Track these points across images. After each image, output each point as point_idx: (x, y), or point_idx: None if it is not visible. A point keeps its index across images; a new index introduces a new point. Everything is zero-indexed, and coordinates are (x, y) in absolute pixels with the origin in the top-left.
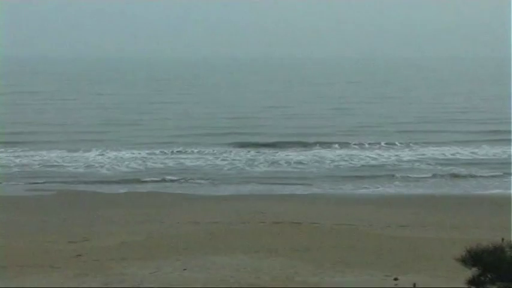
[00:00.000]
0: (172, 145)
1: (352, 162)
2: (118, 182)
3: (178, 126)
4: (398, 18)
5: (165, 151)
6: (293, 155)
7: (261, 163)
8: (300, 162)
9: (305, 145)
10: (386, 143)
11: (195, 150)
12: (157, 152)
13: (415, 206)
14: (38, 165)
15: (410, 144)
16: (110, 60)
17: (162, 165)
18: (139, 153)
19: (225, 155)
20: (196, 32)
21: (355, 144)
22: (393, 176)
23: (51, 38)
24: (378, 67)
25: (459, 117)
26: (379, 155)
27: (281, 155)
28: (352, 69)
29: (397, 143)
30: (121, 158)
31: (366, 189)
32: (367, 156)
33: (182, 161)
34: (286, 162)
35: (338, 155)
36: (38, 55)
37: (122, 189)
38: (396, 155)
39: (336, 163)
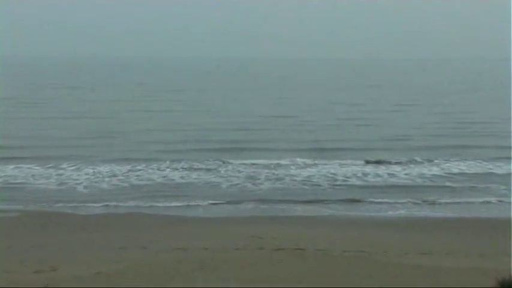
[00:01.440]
0: (160, 159)
1: (367, 179)
2: (96, 202)
3: (167, 137)
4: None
5: (152, 166)
6: (300, 171)
7: (262, 180)
8: (307, 180)
9: (314, 160)
10: (407, 159)
11: (187, 165)
12: (142, 166)
13: (440, 230)
14: (2, 182)
15: (436, 160)
16: (103, 59)
17: (148, 182)
18: (122, 169)
19: (221, 170)
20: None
21: (371, 160)
22: (415, 195)
23: (46, 36)
24: (382, 69)
25: (491, 129)
26: (398, 172)
27: (286, 170)
28: (357, 71)
29: (419, 158)
30: (100, 173)
31: (382, 211)
32: (385, 173)
33: (172, 177)
34: (291, 180)
35: (351, 172)
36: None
37: (99, 209)
38: (419, 172)
39: (348, 181)
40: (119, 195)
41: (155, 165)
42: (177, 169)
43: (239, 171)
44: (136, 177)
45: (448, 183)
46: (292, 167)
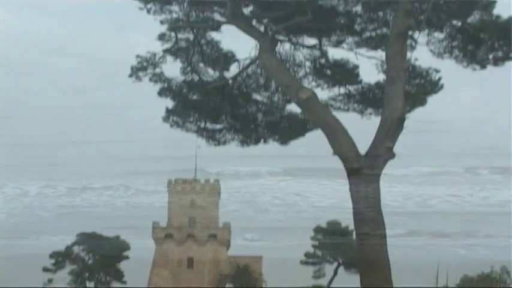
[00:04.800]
0: (120, 174)
1: (406, 200)
2: (20, 237)
3: (125, 147)
4: None
5: (108, 182)
6: (324, 189)
7: (267, 207)
8: (333, 205)
9: (340, 175)
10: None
11: (156, 177)
12: (92, 183)
13: None
14: None
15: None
16: None
17: (105, 206)
18: (58, 187)
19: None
20: None
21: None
22: (480, 231)
23: None
24: None
25: None
26: (457, 196)
27: (311, 187)
28: None
29: (484, 173)
30: (27, 194)
31: (424, 251)
32: (436, 197)
33: (136, 198)
34: (308, 206)
35: (394, 191)
36: None
37: (22, 248)
38: (484, 197)
39: (387, 203)
40: (56, 226)
41: (115, 181)
42: (148, 184)
43: (236, 192)
44: (83, 199)
45: None
46: (316, 182)
